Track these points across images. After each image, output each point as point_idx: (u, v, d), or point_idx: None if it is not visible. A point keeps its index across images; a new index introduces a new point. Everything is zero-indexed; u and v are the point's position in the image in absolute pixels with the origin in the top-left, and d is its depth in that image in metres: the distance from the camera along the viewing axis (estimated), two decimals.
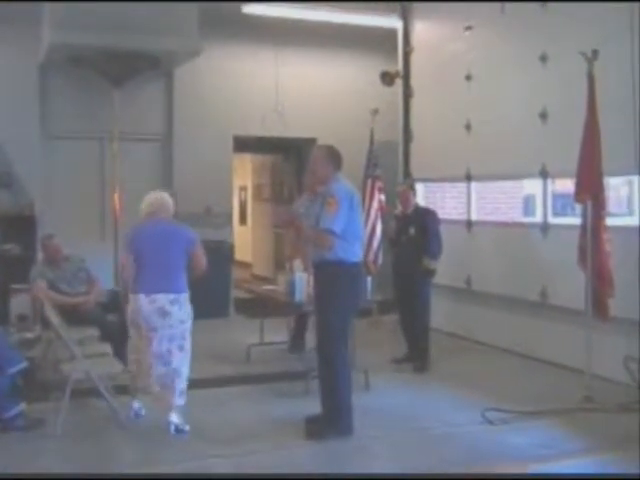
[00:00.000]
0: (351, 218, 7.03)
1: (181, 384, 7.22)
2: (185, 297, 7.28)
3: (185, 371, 7.27)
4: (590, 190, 8.02)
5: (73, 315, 8.49)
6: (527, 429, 7.22)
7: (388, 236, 10.81)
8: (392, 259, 10.33)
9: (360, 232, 7.39)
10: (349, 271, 7.06)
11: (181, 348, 7.23)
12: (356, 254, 7.15)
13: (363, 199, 11.02)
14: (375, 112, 12.55)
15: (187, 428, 7.12)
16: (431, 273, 9.66)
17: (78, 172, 13.11)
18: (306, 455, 6.65)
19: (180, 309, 7.20)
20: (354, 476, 6.35)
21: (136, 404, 7.52)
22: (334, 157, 7.24)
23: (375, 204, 12.10)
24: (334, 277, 7.00)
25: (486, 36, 11.07)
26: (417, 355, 9.68)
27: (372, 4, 12.83)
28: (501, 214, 12.17)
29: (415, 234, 9.67)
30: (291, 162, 16.42)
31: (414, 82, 13.07)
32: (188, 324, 7.31)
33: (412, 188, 10.16)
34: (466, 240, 11.50)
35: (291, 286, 8.65)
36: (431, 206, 11.04)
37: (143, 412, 7.51)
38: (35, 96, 12.66)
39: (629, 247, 8.41)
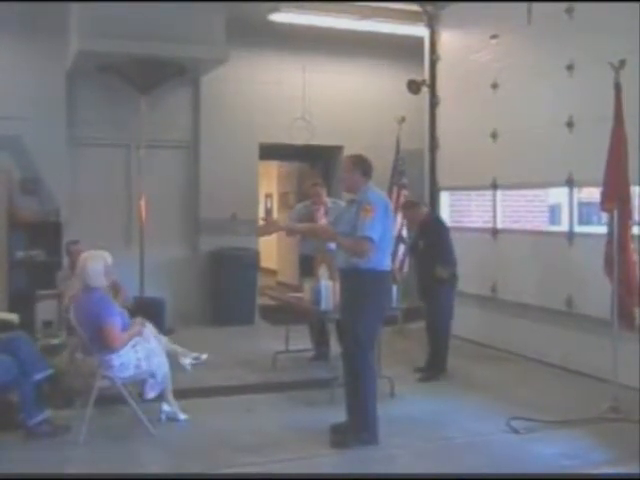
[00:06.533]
0: (386, 226, 7.05)
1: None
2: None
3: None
4: (617, 199, 7.96)
5: None
6: (552, 439, 7.18)
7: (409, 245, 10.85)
8: (413, 268, 10.36)
9: (392, 240, 7.43)
10: (379, 279, 7.04)
11: None
12: (387, 262, 7.15)
13: None
14: (401, 120, 12.61)
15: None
16: (444, 281, 9.61)
17: (104, 179, 13.17)
18: (331, 464, 6.64)
19: None
20: (355, 476, 6.36)
21: (166, 407, 7.57)
22: (365, 165, 7.26)
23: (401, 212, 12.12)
24: (364, 285, 6.98)
25: (512, 45, 11.04)
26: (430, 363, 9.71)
27: (399, 13, 12.84)
28: (527, 222, 12.16)
29: (424, 247, 9.72)
30: (317, 170, 16.40)
31: (440, 90, 13.06)
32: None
33: (416, 206, 10.19)
34: (492, 248, 11.47)
35: (317, 294, 8.64)
36: (456, 214, 11.02)
37: (181, 417, 7.60)
38: (62, 103, 12.69)
39: None
